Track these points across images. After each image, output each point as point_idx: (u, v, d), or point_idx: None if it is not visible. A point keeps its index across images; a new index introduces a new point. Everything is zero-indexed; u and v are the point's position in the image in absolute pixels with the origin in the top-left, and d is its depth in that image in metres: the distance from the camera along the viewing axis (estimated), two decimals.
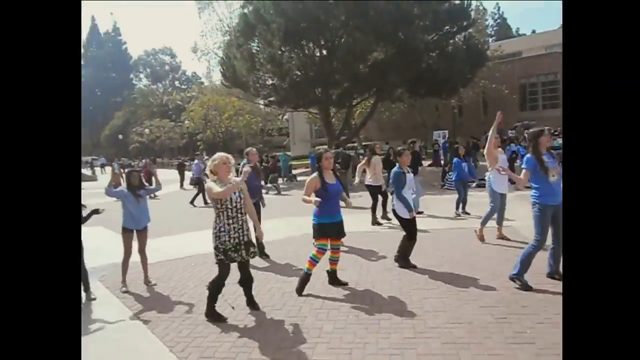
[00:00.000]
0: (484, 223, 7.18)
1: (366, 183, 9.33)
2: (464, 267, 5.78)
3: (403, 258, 6.02)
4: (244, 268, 4.56)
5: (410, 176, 6.10)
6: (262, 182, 7.09)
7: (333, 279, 5.41)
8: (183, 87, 74.35)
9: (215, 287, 4.48)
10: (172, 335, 4.24)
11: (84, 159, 49.88)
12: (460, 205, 9.58)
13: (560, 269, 4.93)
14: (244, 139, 49.01)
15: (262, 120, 45.51)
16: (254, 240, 4.59)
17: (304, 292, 5.13)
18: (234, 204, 4.34)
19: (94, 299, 5.48)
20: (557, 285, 4.66)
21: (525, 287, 4.81)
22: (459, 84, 23.57)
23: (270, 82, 22.01)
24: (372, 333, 3.98)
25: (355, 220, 8.95)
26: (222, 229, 4.31)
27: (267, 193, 15.40)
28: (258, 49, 22.37)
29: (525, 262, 4.91)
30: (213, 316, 4.51)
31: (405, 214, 5.91)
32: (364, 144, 28.48)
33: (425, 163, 21.73)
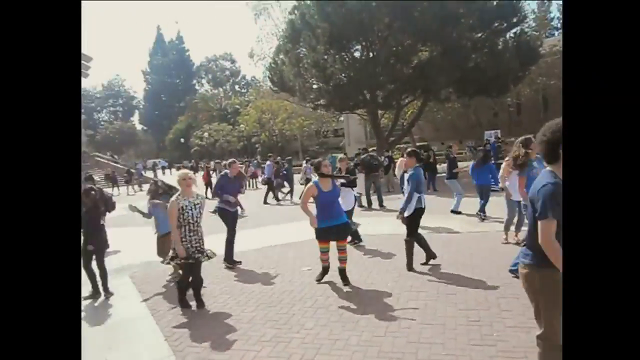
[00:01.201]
0: (506, 229, 7.25)
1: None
2: (466, 269, 5.85)
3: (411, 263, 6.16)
4: (196, 270, 5.17)
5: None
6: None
7: (342, 277, 5.71)
8: (243, 91, 76.82)
9: (182, 283, 5.28)
10: (173, 327, 4.72)
11: (149, 161, 53.03)
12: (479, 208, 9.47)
13: None
14: (300, 141, 50.00)
15: (316, 122, 46.15)
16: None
17: (305, 290, 5.51)
18: (195, 219, 5.05)
19: (112, 294, 6.07)
20: None
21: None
22: (510, 82, 22.87)
23: (315, 86, 22.45)
24: (347, 330, 4.24)
25: (385, 222, 9.14)
26: (183, 239, 5.00)
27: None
28: (305, 53, 22.91)
29: None
30: (183, 304, 5.26)
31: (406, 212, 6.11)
32: (418, 144, 28.28)
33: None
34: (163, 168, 47.13)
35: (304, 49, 22.93)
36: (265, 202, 15.48)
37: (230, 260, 7.06)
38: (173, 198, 5.10)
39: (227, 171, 7.44)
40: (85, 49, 38.31)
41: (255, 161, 28.02)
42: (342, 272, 5.70)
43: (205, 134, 53.89)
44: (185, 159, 51.34)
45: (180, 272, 5.48)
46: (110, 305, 5.73)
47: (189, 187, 5.09)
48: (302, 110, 39.08)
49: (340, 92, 21.22)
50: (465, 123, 36.12)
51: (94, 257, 6.03)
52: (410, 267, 6.06)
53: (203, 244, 5.17)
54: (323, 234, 5.54)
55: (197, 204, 5.07)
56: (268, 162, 18.54)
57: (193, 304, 5.26)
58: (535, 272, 2.69)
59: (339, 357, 3.73)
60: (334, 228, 5.51)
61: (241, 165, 25.18)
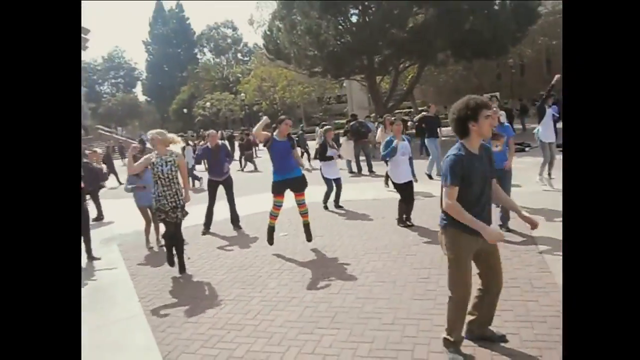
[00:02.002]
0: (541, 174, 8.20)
1: None
2: (432, 234, 6.09)
3: (401, 219, 6.61)
4: (177, 228, 5.42)
5: (404, 144, 6.55)
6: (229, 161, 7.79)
7: (306, 231, 6.03)
8: (245, 59, 76.01)
9: (168, 239, 5.50)
10: (148, 289, 5.09)
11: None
12: None
13: (509, 224, 5.69)
14: (302, 109, 49.83)
15: (318, 89, 45.83)
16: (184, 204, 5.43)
17: (277, 254, 5.88)
18: (166, 175, 5.22)
19: (98, 259, 6.52)
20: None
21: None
22: (508, 43, 22.60)
23: (310, 53, 22.33)
24: (304, 289, 4.58)
25: (371, 188, 9.39)
26: (160, 195, 5.22)
27: (242, 170, 17.23)
28: (299, 20, 22.70)
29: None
30: (169, 262, 5.54)
31: (397, 180, 6.54)
32: (420, 109, 28.21)
33: None
34: None
35: (298, 16, 22.73)
36: None
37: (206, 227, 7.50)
38: (149, 155, 5.39)
39: (208, 143, 7.71)
40: (84, 21, 38.01)
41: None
42: (306, 227, 6.00)
43: (208, 104, 53.82)
44: (189, 129, 51.51)
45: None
46: (95, 270, 6.10)
47: (160, 146, 5.28)
48: (302, 78, 38.82)
49: (335, 59, 21.13)
50: (467, 86, 35.80)
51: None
52: (398, 220, 6.64)
53: (180, 201, 5.32)
54: (278, 187, 5.79)
55: (169, 161, 5.25)
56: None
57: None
58: (443, 232, 2.96)
59: (291, 312, 4.06)
60: (290, 180, 5.79)
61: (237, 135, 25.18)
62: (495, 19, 20.56)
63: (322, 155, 8.34)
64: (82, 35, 37.52)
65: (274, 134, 5.81)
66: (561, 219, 5.69)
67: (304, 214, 5.96)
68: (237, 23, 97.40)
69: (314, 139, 17.03)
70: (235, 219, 7.66)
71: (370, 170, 12.76)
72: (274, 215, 5.97)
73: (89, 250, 6.57)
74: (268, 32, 24.70)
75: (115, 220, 9.44)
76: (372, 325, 3.65)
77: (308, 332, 3.65)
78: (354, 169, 13.16)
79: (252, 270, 5.36)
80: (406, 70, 28.73)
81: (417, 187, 9.08)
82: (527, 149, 13.89)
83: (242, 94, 46.27)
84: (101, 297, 5.05)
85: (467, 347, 3.13)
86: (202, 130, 36.01)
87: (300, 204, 5.92)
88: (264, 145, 5.86)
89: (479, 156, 2.89)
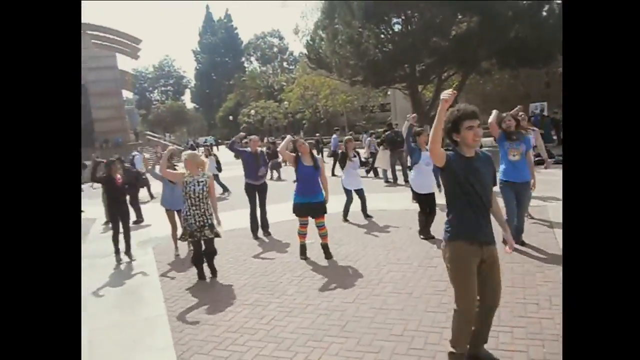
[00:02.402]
0: None
1: None
2: None
3: (423, 230, 6.59)
4: (208, 243, 5.54)
5: (426, 154, 6.49)
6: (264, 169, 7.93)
7: (325, 251, 6.07)
8: (290, 67, 77.18)
9: (195, 259, 5.66)
10: (174, 291, 5.30)
11: (200, 138, 55.11)
12: None
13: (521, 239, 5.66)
14: (345, 117, 50.00)
15: (362, 98, 45.89)
16: (215, 223, 5.54)
17: (300, 261, 6.01)
18: (197, 194, 5.37)
19: (134, 260, 6.83)
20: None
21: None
22: (555, 51, 21.86)
23: (352, 62, 22.42)
24: (321, 297, 4.64)
25: (402, 199, 9.36)
26: (188, 214, 5.39)
27: (270, 179, 16.65)
28: (341, 29, 22.87)
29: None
30: (199, 276, 5.66)
31: (418, 189, 6.56)
32: None
33: None
34: (211, 145, 48.77)
35: (340, 25, 22.91)
36: (332, 174, 15.58)
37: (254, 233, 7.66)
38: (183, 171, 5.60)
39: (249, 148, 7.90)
40: (134, 31, 39.81)
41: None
42: (325, 248, 6.03)
43: (252, 111, 54.96)
44: (234, 136, 52.71)
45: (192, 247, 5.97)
46: (128, 272, 6.41)
47: (192, 167, 5.46)
48: (344, 86, 38.99)
49: (375, 68, 21.12)
50: (514, 94, 34.84)
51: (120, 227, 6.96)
52: (420, 232, 6.63)
53: (208, 220, 5.48)
54: (299, 210, 5.90)
55: (201, 181, 5.44)
56: (334, 136, 20.70)
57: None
58: (446, 245, 2.96)
59: (304, 319, 4.14)
60: (309, 205, 5.87)
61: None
62: (541, 26, 19.97)
63: (341, 164, 8.51)
64: (134, 44, 39.29)
65: (299, 155, 5.94)
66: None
67: (323, 236, 6.02)
68: (283, 32, 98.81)
69: (363, 147, 17.26)
70: (265, 225, 7.82)
71: (406, 180, 12.64)
72: (302, 234, 6.08)
73: (128, 251, 6.92)
74: (310, 42, 25.02)
75: (153, 224, 9.82)
76: (381, 335, 3.67)
77: (318, 340, 3.71)
78: (390, 178, 13.14)
79: (274, 276, 5.48)
80: (450, 79, 28.34)
81: (440, 199, 9.02)
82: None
83: (286, 102, 46.94)
84: (130, 297, 5.32)
85: None
86: (247, 136, 37.09)
87: (320, 227, 5.98)
88: (292, 165, 6.01)
89: (475, 159, 2.91)
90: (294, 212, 5.96)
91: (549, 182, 9.91)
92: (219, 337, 3.94)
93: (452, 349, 3.05)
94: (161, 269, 6.34)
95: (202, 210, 5.43)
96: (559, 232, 5.97)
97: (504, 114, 5.83)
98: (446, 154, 2.85)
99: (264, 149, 12.88)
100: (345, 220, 8.26)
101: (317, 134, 28.08)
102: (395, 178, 13.03)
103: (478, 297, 2.97)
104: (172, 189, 6.88)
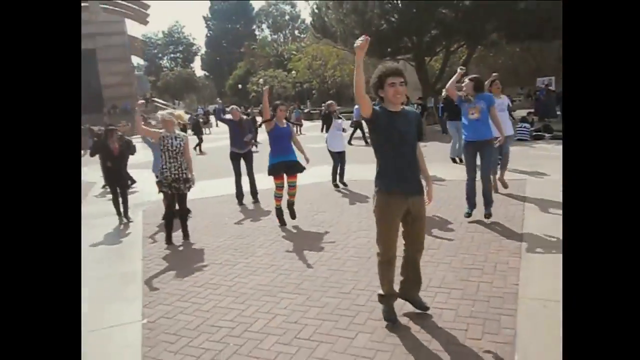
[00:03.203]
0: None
1: None
2: (445, 212, 6.21)
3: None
4: (181, 200, 5.85)
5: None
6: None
7: (290, 210, 6.35)
8: (302, 36, 76.23)
9: (166, 216, 5.90)
10: (153, 250, 5.65)
11: (210, 106, 55.23)
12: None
13: (491, 210, 5.63)
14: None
15: (371, 69, 45.48)
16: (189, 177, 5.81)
17: (276, 226, 6.28)
18: (174, 148, 5.65)
19: (132, 221, 7.26)
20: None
21: (467, 215, 5.74)
22: None
23: (356, 32, 22.23)
24: (286, 259, 4.94)
25: None
26: (164, 167, 5.65)
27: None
28: None
29: (468, 198, 5.73)
30: (168, 240, 5.88)
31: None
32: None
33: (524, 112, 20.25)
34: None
35: None
36: (349, 143, 15.63)
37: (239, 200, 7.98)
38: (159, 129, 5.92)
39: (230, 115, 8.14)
40: None
41: (297, 109, 28.84)
42: (291, 206, 6.33)
43: (261, 80, 54.74)
44: (243, 104, 52.71)
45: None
46: (116, 232, 6.77)
47: (171, 125, 5.73)
48: (352, 57, 38.62)
49: (380, 38, 20.92)
50: (525, 68, 34.34)
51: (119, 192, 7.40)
52: None
53: (183, 174, 5.70)
54: (275, 169, 6.14)
55: (178, 137, 5.74)
56: (356, 106, 19.86)
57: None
58: (375, 196, 3.25)
59: (265, 277, 4.45)
60: (284, 163, 6.15)
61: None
62: None
63: (326, 125, 9.02)
64: (142, 10, 39.06)
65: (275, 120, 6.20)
66: (557, 209, 5.68)
67: (291, 195, 6.30)
68: None
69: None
70: (254, 192, 8.07)
71: None
72: (278, 197, 6.29)
73: (126, 214, 7.35)
74: (316, 10, 24.76)
75: (146, 188, 10.13)
76: (330, 293, 3.96)
77: (272, 295, 4.01)
78: None
79: (249, 239, 5.78)
80: (459, 51, 27.97)
81: (434, 171, 9.18)
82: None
83: (293, 72, 46.69)
84: (112, 254, 5.69)
85: (402, 317, 3.39)
86: (252, 106, 37.14)
87: (291, 186, 6.25)
88: (267, 130, 6.25)
89: (400, 113, 3.13)
90: (270, 173, 6.18)
91: (538, 157, 10.07)
92: (183, 291, 4.27)
93: (380, 292, 3.42)
94: (148, 230, 6.68)
95: (179, 162, 5.69)
96: (528, 206, 6.15)
97: (465, 80, 5.79)
98: (373, 108, 3.07)
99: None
100: (335, 185, 8.52)
101: (324, 105, 28.02)
102: None
103: (404, 244, 3.32)
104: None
